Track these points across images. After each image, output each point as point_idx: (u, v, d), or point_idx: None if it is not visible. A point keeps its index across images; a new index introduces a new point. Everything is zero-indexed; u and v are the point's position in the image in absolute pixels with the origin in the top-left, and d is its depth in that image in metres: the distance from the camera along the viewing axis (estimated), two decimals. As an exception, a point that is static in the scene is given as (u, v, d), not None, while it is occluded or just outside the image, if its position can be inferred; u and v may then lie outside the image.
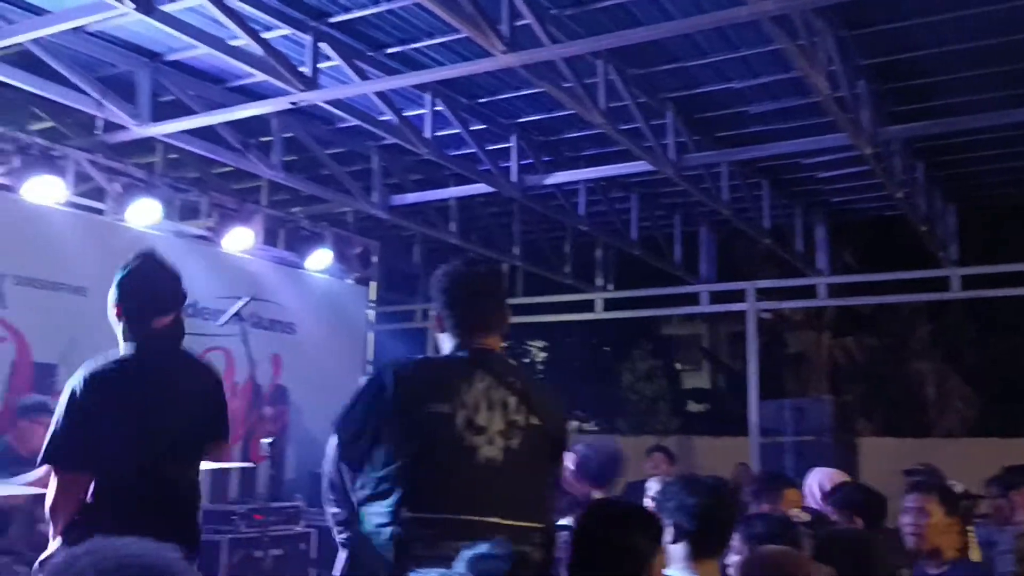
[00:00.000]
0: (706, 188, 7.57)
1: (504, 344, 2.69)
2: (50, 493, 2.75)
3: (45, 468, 2.80)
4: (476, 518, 2.37)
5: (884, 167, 6.79)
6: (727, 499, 2.93)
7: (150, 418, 2.89)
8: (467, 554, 1.89)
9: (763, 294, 9.49)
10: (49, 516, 2.76)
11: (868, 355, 13.29)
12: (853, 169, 7.70)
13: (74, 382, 2.85)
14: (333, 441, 2.66)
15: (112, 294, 3.08)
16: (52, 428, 2.81)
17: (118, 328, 3.05)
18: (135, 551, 1.43)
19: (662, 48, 5.80)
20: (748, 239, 9.86)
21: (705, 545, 2.65)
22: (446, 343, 2.66)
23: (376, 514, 2.42)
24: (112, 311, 3.08)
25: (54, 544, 2.74)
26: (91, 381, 2.84)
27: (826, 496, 4.12)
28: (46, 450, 2.78)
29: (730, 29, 5.46)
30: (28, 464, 4.90)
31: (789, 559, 2.65)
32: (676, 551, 2.62)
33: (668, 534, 2.58)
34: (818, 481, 4.38)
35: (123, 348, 3.00)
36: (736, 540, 3.03)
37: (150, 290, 3.07)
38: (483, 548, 1.89)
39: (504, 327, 2.69)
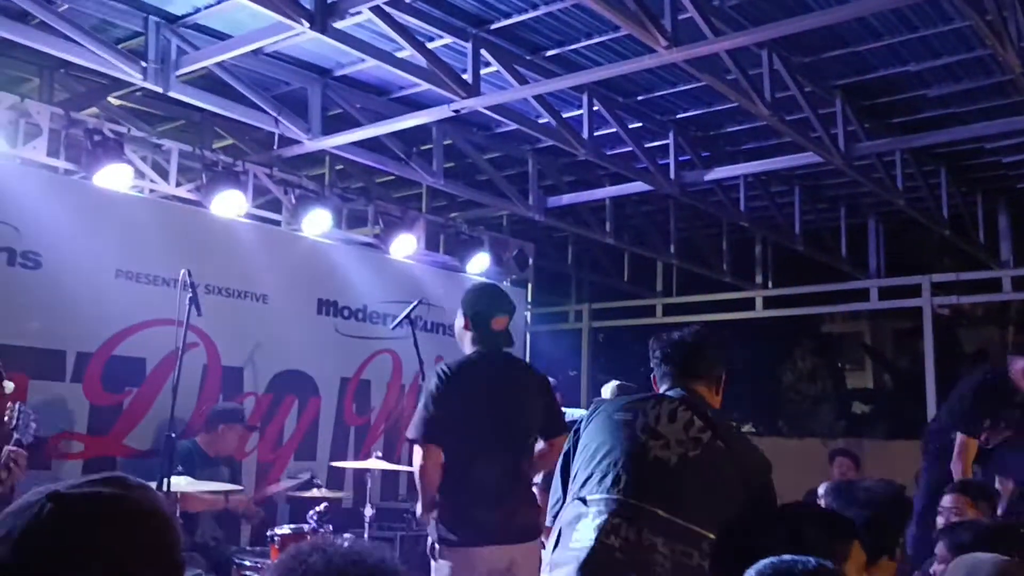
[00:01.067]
0: (878, 178, 7.18)
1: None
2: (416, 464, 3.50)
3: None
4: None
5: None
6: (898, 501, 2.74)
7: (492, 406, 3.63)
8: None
9: (939, 288, 8.92)
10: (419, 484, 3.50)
11: (1058, 352, 12.26)
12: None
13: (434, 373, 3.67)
14: None
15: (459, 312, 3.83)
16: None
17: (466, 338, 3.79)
18: (359, 550, 1.47)
19: (831, 33, 5.54)
20: (920, 231, 9.29)
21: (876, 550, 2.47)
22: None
23: None
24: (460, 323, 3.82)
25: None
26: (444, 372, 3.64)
27: None
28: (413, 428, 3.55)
29: (908, 9, 5.15)
30: (215, 465, 5.25)
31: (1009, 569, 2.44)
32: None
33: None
34: None
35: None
36: (940, 548, 2.86)
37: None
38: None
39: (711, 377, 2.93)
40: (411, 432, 3.57)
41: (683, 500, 2.55)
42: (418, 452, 3.53)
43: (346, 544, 1.46)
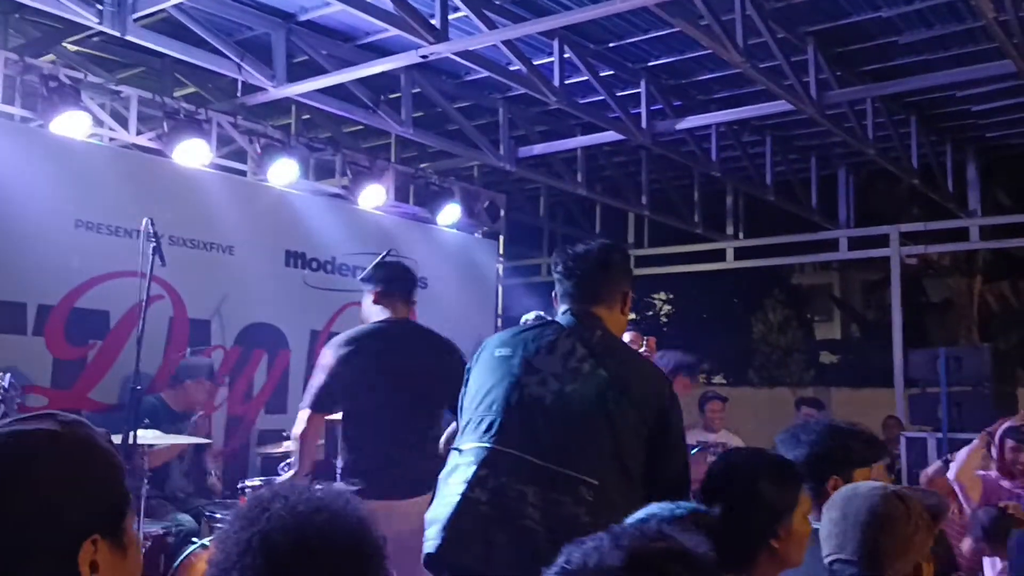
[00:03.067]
0: (849, 127, 7.17)
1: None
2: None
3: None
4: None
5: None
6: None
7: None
8: None
9: (907, 238, 9.00)
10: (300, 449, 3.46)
11: (1025, 300, 12.48)
12: (1012, 100, 7.13)
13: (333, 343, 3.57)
14: None
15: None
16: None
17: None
18: (322, 496, 1.43)
19: (804, -22, 5.48)
20: (889, 181, 9.36)
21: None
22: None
23: None
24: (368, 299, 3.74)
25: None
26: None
27: None
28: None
29: (881, -48, 5.09)
30: (180, 420, 5.18)
31: None
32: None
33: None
34: None
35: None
36: None
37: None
38: None
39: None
40: (303, 401, 3.50)
41: (558, 442, 2.35)
42: (303, 417, 3.45)
43: (309, 491, 1.43)
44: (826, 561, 2.09)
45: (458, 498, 2.36)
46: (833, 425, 2.66)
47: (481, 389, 2.51)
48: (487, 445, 2.39)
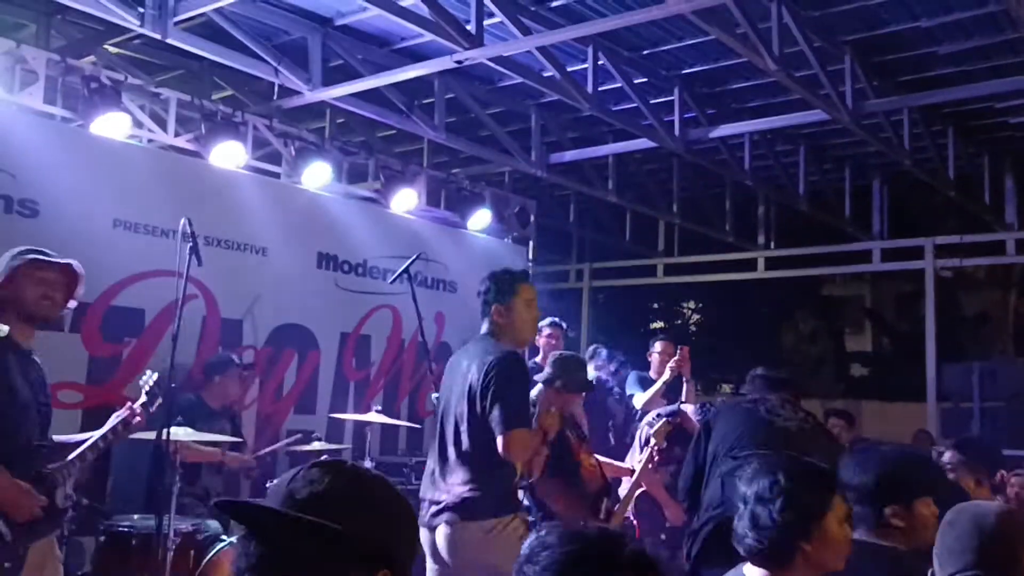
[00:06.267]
0: (885, 137, 7.10)
1: None
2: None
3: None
4: None
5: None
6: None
7: None
8: None
9: (942, 251, 8.88)
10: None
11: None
12: (1053, 113, 7.02)
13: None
14: None
15: None
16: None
17: None
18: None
19: (842, -14, 5.44)
20: (923, 193, 9.23)
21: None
22: None
23: None
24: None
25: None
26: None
27: None
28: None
29: (921, -39, 5.04)
30: (218, 418, 5.24)
31: None
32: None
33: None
34: None
35: None
36: None
37: None
38: None
39: None
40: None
41: None
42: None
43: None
44: None
45: None
46: (894, 455, 2.66)
47: None
48: None
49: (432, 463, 3.50)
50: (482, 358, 3.37)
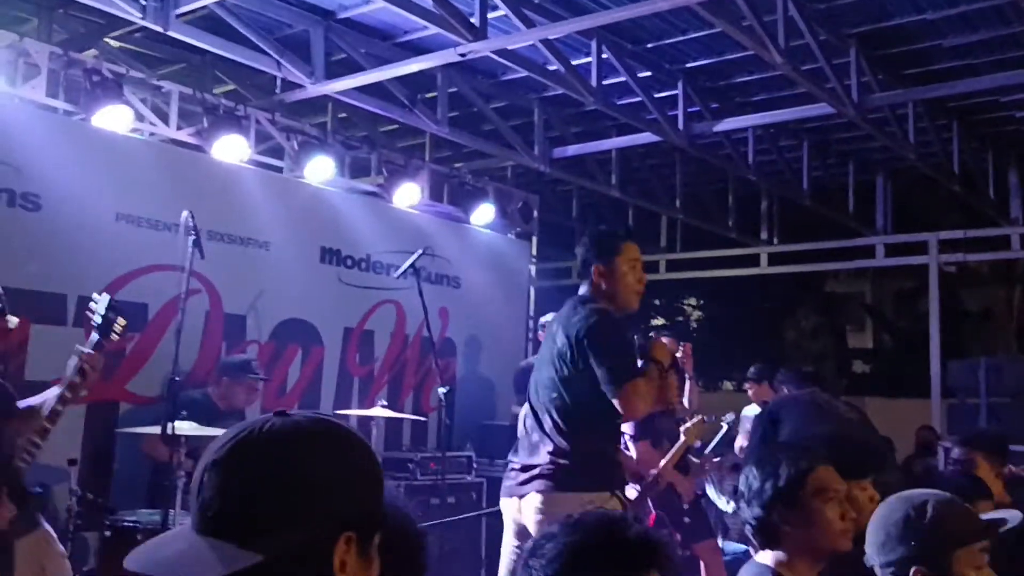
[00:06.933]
0: (890, 131, 7.07)
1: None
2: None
3: None
4: None
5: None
6: None
7: None
8: None
9: (945, 246, 8.84)
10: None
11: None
12: (1059, 106, 7.00)
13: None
14: None
15: None
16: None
17: None
18: None
19: (848, -21, 5.41)
20: (927, 188, 9.21)
21: None
22: None
23: None
24: None
25: None
26: None
27: None
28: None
29: (928, -47, 5.02)
30: (225, 418, 5.19)
31: None
32: None
33: None
34: None
35: None
36: None
37: None
38: None
39: None
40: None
41: None
42: None
43: None
44: None
45: None
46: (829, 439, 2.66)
47: None
48: None
49: (523, 429, 3.34)
50: (567, 321, 3.21)
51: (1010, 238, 8.44)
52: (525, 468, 3.19)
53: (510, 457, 3.36)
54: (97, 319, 3.28)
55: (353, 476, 1.13)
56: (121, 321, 3.32)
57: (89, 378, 3.13)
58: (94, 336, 3.24)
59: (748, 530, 2.21)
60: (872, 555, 2.05)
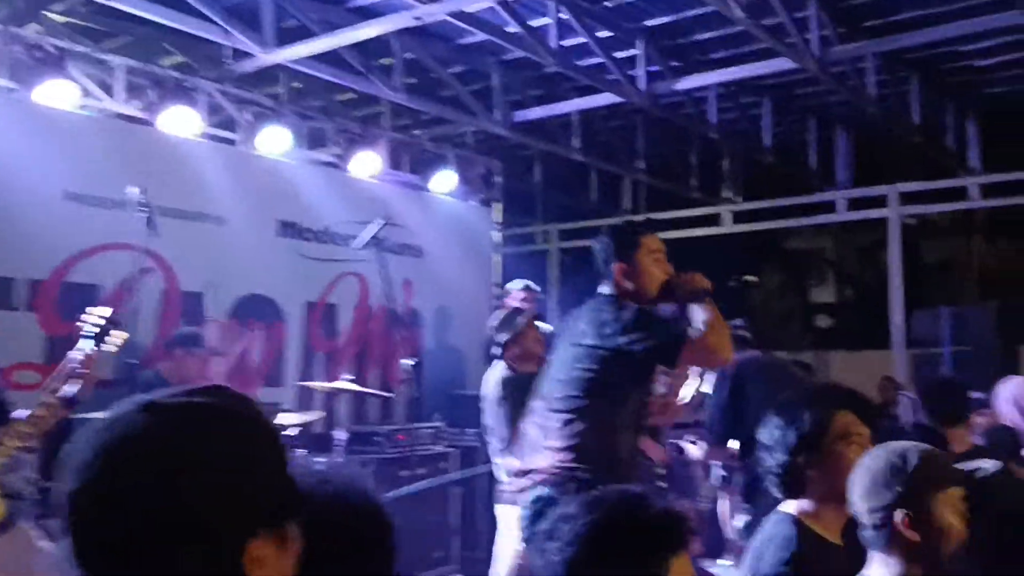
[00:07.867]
0: (851, 85, 7.05)
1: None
2: None
3: None
4: None
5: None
6: None
7: None
8: None
9: (906, 198, 8.89)
10: None
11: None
12: (1018, 54, 7.01)
13: None
14: None
15: None
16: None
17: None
18: (326, 470, 1.38)
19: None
20: (887, 142, 9.22)
21: None
22: None
23: None
24: None
25: None
26: None
27: None
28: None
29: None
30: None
31: None
32: None
33: None
34: (1016, 394, 3.92)
35: None
36: None
37: None
38: None
39: None
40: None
41: None
42: None
43: (314, 465, 1.37)
44: None
45: None
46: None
47: None
48: None
49: (525, 429, 3.18)
50: (597, 318, 2.96)
51: (967, 188, 8.50)
52: (525, 473, 3.03)
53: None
54: (90, 328, 3.09)
55: (250, 468, 0.99)
56: (122, 334, 3.14)
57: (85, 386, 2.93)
58: (86, 343, 3.05)
59: (772, 480, 2.21)
60: (856, 502, 2.06)
